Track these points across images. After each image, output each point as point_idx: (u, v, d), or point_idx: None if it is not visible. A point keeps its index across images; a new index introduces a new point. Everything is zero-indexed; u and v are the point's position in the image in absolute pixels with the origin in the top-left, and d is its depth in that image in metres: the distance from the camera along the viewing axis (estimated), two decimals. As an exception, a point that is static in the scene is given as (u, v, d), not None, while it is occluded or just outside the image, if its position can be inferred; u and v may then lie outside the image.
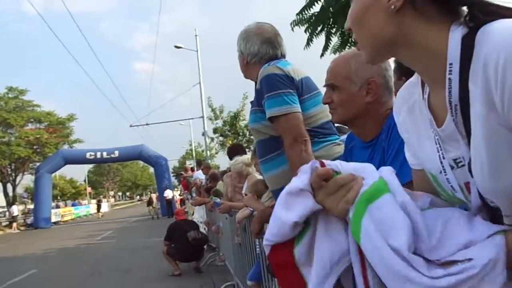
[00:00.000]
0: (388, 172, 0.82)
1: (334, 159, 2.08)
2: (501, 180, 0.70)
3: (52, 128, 35.02)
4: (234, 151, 4.96)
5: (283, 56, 2.29)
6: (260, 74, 2.09)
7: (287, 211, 0.81)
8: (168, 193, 22.95)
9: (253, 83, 2.26)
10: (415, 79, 0.91)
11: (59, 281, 7.79)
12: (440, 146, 0.81)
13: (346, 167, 0.83)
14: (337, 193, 0.78)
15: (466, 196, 0.80)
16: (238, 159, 4.34)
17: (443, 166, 0.81)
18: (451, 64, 0.73)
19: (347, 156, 1.69)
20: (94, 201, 50.60)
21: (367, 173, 0.81)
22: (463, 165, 0.78)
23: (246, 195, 3.46)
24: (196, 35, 21.83)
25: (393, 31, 0.79)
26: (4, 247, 15.52)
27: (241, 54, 2.33)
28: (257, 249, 3.53)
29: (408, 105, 0.91)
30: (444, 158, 0.80)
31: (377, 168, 1.51)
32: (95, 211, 40.38)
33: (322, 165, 0.82)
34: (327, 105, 2.16)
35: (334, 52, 10.16)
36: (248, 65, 2.30)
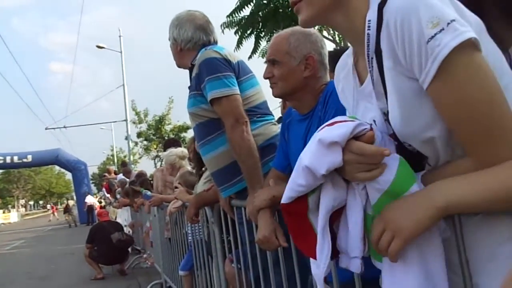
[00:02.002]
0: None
1: (271, 138, 2.21)
2: (411, 124, 0.84)
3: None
4: (169, 144, 4.96)
5: (215, 42, 2.35)
6: (199, 58, 2.14)
7: (314, 161, 0.86)
8: (90, 199, 21.75)
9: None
10: (349, 50, 1.05)
11: (-36, 292, 7.11)
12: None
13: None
14: (363, 163, 0.83)
15: None
16: (172, 150, 4.31)
17: (374, 120, 0.92)
18: (369, 20, 0.86)
19: (285, 131, 1.81)
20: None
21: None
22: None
23: (176, 187, 3.45)
24: (120, 36, 21.16)
25: None
26: None
27: (174, 42, 2.34)
28: (189, 238, 3.54)
29: (344, 73, 1.06)
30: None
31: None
32: (3, 221, 37.20)
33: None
34: (260, 88, 2.28)
35: (262, 56, 10.49)
36: (182, 52, 2.32)
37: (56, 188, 73.22)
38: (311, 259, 1.03)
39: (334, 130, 0.85)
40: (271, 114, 2.28)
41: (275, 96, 1.71)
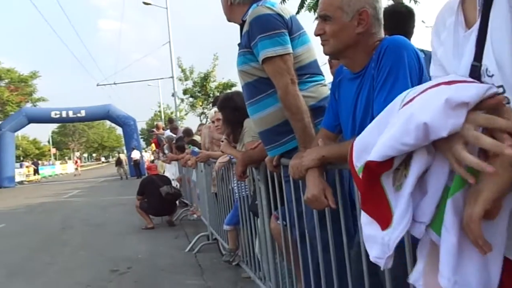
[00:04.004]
0: None
1: (321, 100, 2.15)
2: None
3: (13, 86, 33.34)
4: (217, 102, 4.99)
5: None
6: (250, 15, 2.07)
7: (437, 120, 0.78)
8: (136, 154, 22.61)
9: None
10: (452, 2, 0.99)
11: (30, 234, 7.73)
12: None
13: None
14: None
15: None
16: (218, 108, 4.33)
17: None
18: None
19: (336, 90, 1.76)
20: (58, 163, 49.57)
21: None
22: None
23: (222, 141, 3.46)
24: (166, -10, 21.08)
25: None
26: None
27: None
28: (236, 195, 3.62)
29: (450, 21, 0.98)
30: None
31: (367, 95, 1.58)
32: (61, 171, 39.70)
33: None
34: (311, 45, 2.20)
35: (309, 10, 10.15)
36: (232, 6, 2.27)
37: (108, 142, 76.56)
38: (365, 220, 0.99)
39: (463, 90, 0.78)
40: (322, 74, 2.20)
41: (326, 54, 1.65)
